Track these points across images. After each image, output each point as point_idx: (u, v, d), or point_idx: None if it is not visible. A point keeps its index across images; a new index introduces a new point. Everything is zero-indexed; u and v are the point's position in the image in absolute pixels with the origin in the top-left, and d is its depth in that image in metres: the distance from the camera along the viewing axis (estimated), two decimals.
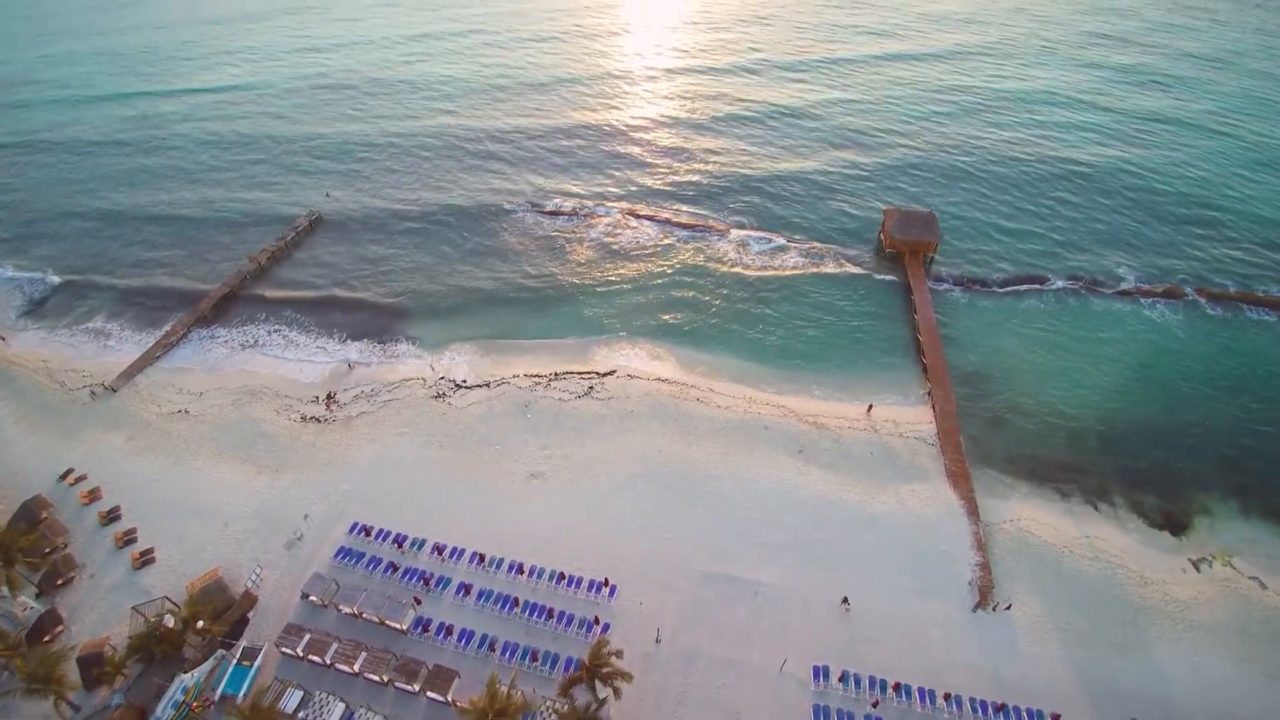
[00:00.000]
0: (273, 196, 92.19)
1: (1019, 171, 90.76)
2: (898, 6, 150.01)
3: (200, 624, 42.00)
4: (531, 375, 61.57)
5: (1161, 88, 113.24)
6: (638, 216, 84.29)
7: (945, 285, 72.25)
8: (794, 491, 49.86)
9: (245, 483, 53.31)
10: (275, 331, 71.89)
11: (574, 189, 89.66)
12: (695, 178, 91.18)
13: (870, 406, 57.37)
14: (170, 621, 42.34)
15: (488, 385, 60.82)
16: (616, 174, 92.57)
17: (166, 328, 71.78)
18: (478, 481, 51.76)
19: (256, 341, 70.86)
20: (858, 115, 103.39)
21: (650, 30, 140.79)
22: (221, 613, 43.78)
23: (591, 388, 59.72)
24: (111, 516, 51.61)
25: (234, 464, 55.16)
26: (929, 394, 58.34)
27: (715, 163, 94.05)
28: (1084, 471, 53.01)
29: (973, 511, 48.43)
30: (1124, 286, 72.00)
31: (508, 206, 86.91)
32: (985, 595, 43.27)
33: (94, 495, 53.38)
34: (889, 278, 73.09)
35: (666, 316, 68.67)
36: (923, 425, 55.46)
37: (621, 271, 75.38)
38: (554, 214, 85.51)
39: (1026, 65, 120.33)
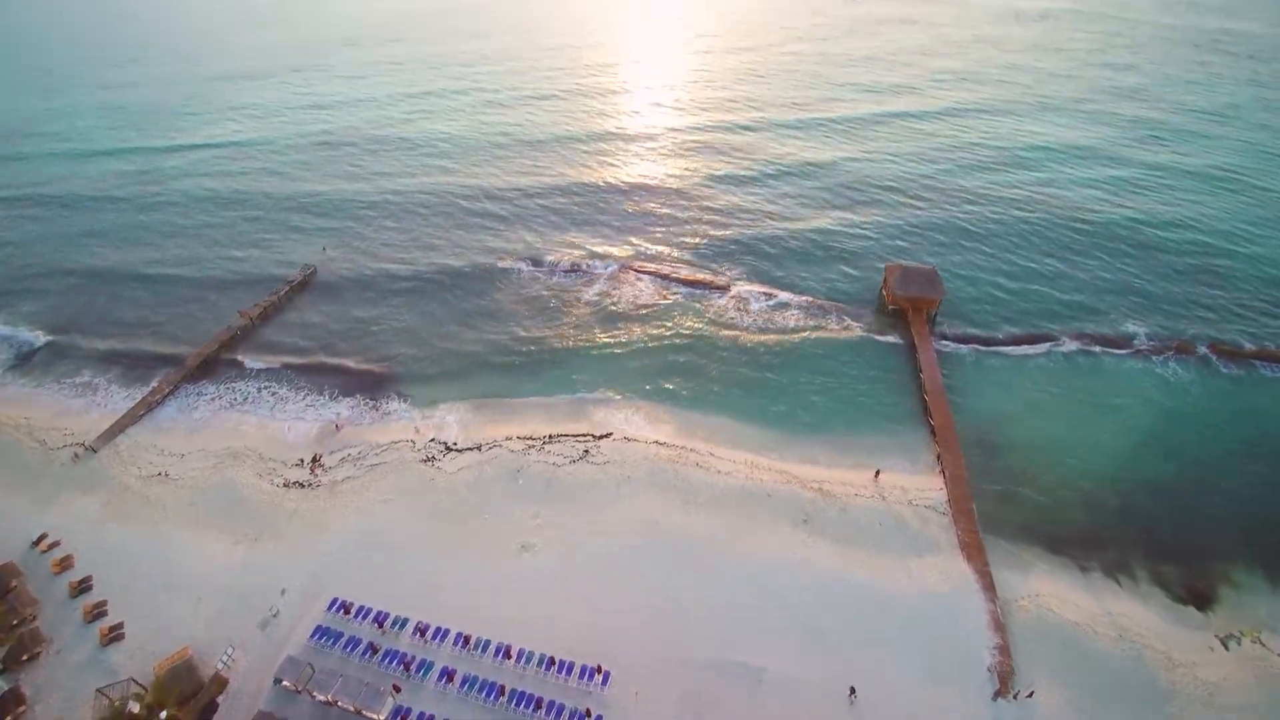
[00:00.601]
0: (268, 253, 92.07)
1: (1020, 227, 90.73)
2: (893, 66, 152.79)
3: (165, 713, 39.56)
4: (524, 438, 59.91)
5: (1160, 141, 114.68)
6: (636, 273, 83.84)
7: (950, 344, 71.08)
8: (799, 566, 47.70)
9: (222, 553, 51.25)
10: (264, 389, 70.67)
11: (571, 247, 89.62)
12: (694, 234, 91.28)
13: (878, 472, 55.56)
14: (135, 707, 39.97)
15: (479, 448, 59.10)
16: (614, 231, 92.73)
17: (153, 384, 70.56)
18: (465, 554, 49.61)
19: (245, 399, 69.66)
20: (856, 173, 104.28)
21: (649, 89, 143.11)
22: (189, 697, 41.36)
23: (587, 451, 58.00)
24: (83, 587, 49.43)
25: (211, 532, 53.15)
26: (938, 459, 56.61)
27: (714, 219, 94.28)
28: (1103, 542, 51.05)
29: (989, 587, 46.21)
30: (1135, 344, 70.80)
31: (503, 264, 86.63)
32: (1005, 682, 40.82)
33: (65, 564, 51.25)
34: (892, 337, 71.99)
35: (665, 376, 67.43)
36: (933, 493, 53.57)
37: (619, 330, 74.42)
38: (550, 272, 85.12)
39: (1024, 120, 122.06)
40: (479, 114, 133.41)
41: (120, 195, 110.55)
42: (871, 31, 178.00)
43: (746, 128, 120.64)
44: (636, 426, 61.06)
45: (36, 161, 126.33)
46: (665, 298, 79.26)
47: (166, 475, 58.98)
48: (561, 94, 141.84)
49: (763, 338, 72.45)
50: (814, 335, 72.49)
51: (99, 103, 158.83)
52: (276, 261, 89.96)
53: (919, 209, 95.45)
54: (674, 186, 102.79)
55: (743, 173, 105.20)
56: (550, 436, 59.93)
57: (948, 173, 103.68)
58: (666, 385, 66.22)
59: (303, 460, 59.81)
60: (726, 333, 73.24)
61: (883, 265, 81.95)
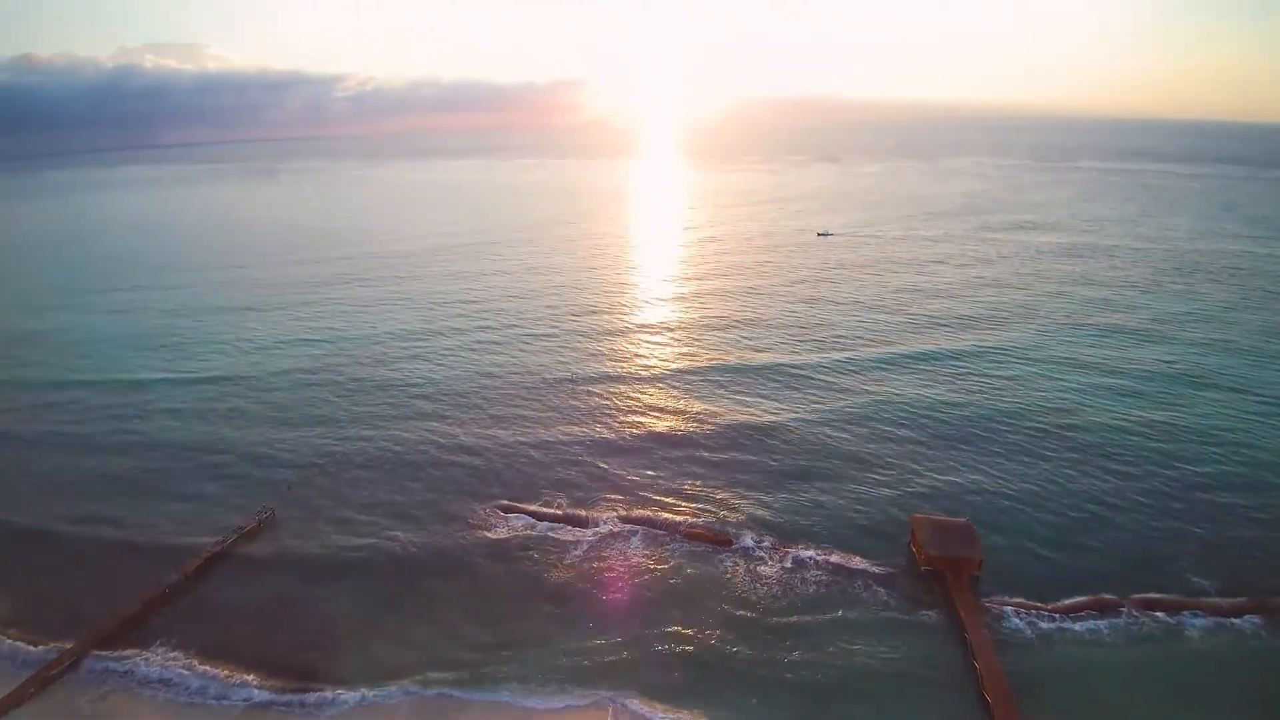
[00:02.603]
0: (213, 506, 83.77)
1: (1051, 470, 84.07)
2: (883, 298, 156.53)
3: None
4: None
5: (1174, 367, 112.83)
6: (628, 530, 75.13)
7: (999, 608, 61.18)
8: None
9: None
10: (182, 665, 59.71)
11: (554, 503, 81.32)
12: (693, 482, 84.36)
13: None
14: None
15: None
16: (604, 483, 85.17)
17: (51, 657, 59.68)
18: None
19: (154, 678, 58.71)
20: (864, 416, 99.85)
21: (644, 329, 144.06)
22: None
23: None
24: None
25: None
26: None
27: (714, 463, 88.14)
28: None
29: None
30: (1207, 603, 61.50)
31: (476, 519, 78.29)
32: None
33: None
34: (932, 611, 61.73)
35: (663, 672, 55.86)
36: None
37: (606, 606, 64.03)
38: (529, 531, 75.87)
39: (1030, 354, 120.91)
40: (467, 354, 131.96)
41: (72, 432, 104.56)
42: (859, 269, 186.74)
43: (745, 369, 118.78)
44: None
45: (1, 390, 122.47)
46: (661, 561, 69.63)
47: None
48: (555, 334, 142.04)
49: (779, 608, 62.11)
50: (840, 611, 61.90)
51: (91, 328, 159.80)
52: (229, 506, 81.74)
53: (935, 451, 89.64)
54: (668, 431, 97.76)
55: (743, 418, 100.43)
56: None
57: (962, 414, 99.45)
58: (664, 685, 54.35)
59: None
60: (735, 605, 62.79)
61: (906, 515, 73.89)
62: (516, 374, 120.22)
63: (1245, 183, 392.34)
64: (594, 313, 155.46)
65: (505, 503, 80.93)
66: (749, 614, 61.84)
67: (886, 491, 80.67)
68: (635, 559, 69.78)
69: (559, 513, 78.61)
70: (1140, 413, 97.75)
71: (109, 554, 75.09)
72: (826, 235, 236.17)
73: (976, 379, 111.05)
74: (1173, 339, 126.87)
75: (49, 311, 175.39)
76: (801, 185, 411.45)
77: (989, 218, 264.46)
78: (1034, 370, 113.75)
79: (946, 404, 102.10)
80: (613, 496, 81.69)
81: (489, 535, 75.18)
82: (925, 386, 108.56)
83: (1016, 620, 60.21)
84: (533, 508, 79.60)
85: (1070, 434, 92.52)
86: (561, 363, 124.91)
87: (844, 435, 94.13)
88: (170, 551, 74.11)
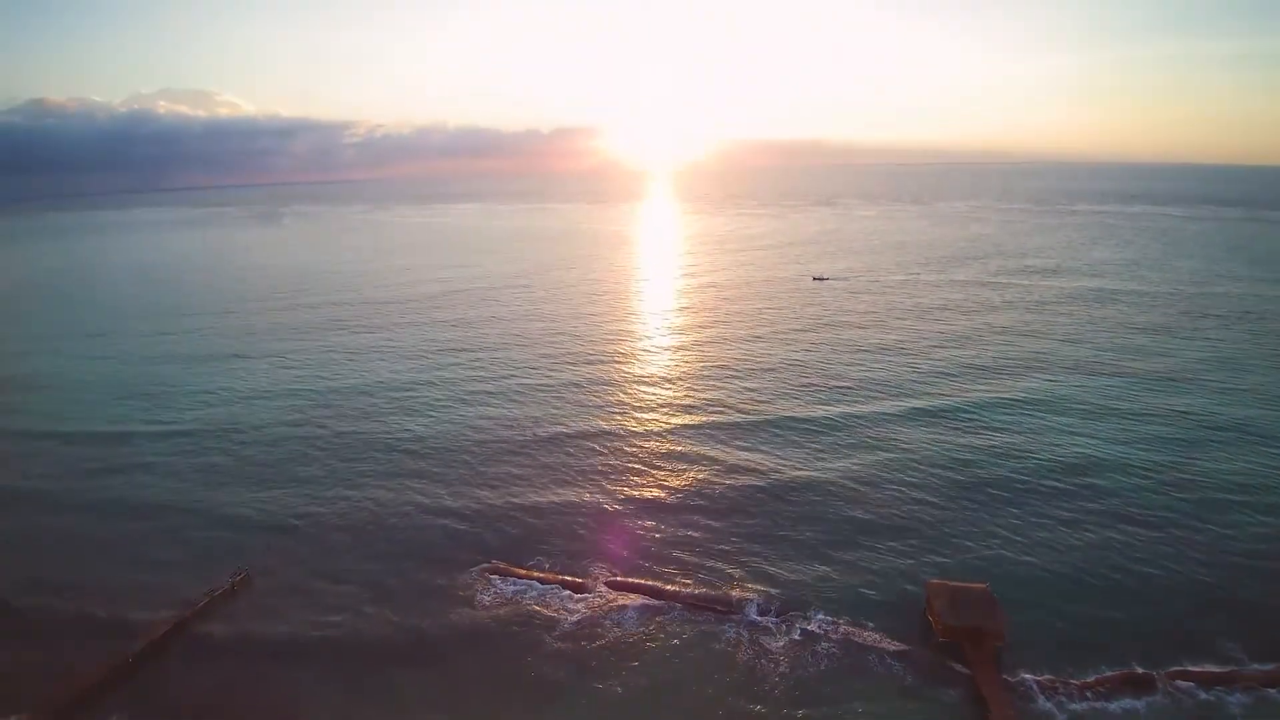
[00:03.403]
0: (187, 565, 79.67)
1: (1074, 535, 79.50)
2: (891, 345, 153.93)
3: None
4: None
5: (1217, 430, 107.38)
6: (625, 597, 70.69)
7: (1029, 696, 55.98)
8: None
9: None
10: None
11: (545, 565, 77.17)
12: (694, 548, 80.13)
13: None
14: None
15: None
16: (599, 547, 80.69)
17: None
18: None
19: None
20: (873, 474, 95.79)
21: (643, 381, 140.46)
22: None
23: None
24: None
25: None
26: None
27: (717, 531, 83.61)
28: None
29: None
30: (1245, 675, 57.38)
31: (459, 587, 73.90)
32: None
33: None
34: (954, 690, 57.30)
35: None
36: None
37: (597, 691, 58.88)
38: (518, 597, 71.47)
39: (1045, 408, 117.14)
40: (458, 406, 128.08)
41: (38, 488, 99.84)
42: (861, 315, 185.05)
43: (746, 423, 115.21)
44: None
45: None
46: (659, 635, 64.85)
47: None
48: (550, 385, 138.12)
49: (790, 705, 56.55)
50: (853, 698, 56.88)
51: (78, 375, 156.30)
52: (201, 569, 77.26)
53: (948, 510, 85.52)
54: (666, 489, 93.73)
55: (744, 475, 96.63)
56: None
57: (975, 470, 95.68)
58: None
59: None
60: (742, 701, 57.22)
61: (919, 580, 69.95)
62: (508, 428, 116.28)
63: (1244, 224, 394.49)
64: (590, 362, 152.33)
65: (492, 564, 76.81)
66: (756, 706, 56.65)
67: (898, 554, 76.54)
68: (631, 634, 65.01)
69: (550, 578, 74.20)
70: (1160, 466, 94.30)
71: (67, 623, 70.38)
72: (822, 280, 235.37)
73: (989, 432, 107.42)
74: (1191, 386, 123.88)
75: (34, 357, 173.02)
76: (799, 229, 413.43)
77: (991, 262, 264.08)
78: (1047, 422, 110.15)
79: (958, 459, 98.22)
80: (607, 560, 77.34)
81: (471, 610, 70.22)
82: (935, 440, 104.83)
83: (1044, 700, 55.82)
84: (522, 571, 75.28)
85: (1089, 490, 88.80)
86: (555, 415, 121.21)
87: (851, 493, 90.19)
88: (132, 621, 69.49)
